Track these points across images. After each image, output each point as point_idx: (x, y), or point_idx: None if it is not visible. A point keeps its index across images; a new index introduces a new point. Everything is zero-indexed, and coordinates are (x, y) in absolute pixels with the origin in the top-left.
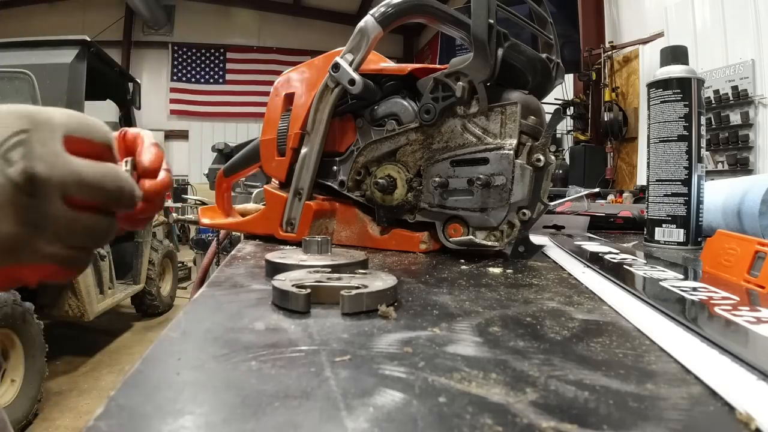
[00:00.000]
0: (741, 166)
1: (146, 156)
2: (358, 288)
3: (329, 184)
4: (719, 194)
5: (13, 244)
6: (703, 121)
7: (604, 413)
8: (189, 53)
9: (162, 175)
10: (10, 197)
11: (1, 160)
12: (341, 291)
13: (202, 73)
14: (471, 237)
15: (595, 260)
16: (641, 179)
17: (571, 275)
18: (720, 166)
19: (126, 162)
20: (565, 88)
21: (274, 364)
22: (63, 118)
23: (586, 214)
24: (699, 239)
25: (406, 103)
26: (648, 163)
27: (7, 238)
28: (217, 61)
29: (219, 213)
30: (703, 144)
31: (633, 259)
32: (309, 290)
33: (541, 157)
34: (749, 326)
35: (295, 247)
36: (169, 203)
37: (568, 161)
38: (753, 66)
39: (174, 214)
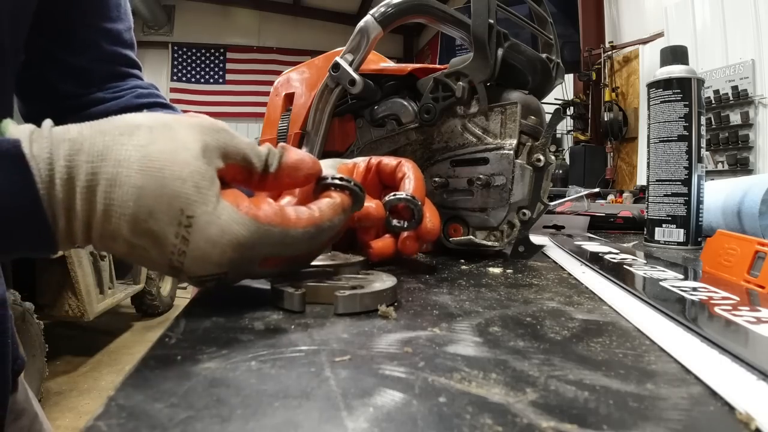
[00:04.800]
0: (741, 166)
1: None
2: (354, 288)
3: None
4: (719, 194)
5: None
6: (703, 121)
7: (604, 413)
8: (189, 53)
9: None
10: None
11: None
12: (335, 291)
13: (202, 73)
14: (471, 237)
15: (595, 260)
16: (641, 179)
17: (571, 275)
18: (720, 166)
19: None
20: (565, 88)
21: (273, 364)
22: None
23: (586, 214)
24: (699, 239)
25: (406, 103)
26: (648, 163)
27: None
28: (217, 61)
29: None
30: (703, 144)
31: (633, 259)
32: (304, 290)
33: (541, 157)
34: (749, 326)
35: None
36: None
37: (568, 161)
38: (753, 66)
39: None
